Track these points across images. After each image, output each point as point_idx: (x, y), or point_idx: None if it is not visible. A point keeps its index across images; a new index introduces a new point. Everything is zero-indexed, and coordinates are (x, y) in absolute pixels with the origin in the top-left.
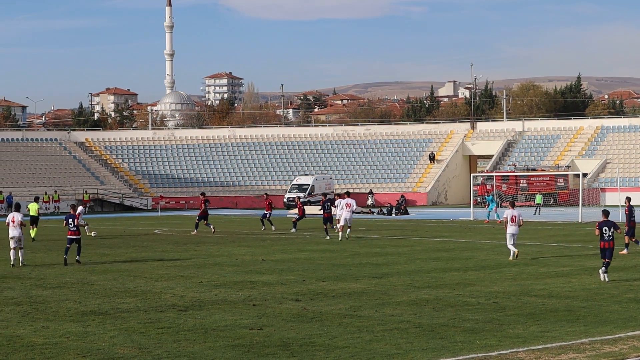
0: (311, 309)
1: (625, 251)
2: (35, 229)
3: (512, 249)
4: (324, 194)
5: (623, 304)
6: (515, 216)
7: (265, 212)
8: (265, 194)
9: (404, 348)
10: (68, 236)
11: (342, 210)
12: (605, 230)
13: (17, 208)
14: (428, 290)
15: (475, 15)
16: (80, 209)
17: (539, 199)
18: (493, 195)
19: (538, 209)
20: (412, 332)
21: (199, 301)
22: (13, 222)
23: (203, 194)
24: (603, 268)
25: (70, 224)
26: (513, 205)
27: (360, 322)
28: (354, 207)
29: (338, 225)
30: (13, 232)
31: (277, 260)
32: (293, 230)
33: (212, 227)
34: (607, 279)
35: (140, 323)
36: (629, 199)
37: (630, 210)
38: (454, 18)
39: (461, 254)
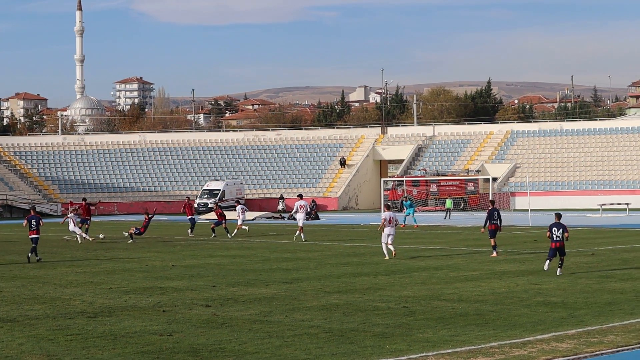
0: (221, 315)
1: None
2: None
3: (391, 248)
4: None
5: (532, 307)
6: (392, 217)
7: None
8: (187, 197)
9: (313, 353)
10: (30, 236)
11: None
12: (555, 230)
13: None
14: (338, 295)
15: (387, 21)
16: (71, 214)
17: (449, 203)
18: (411, 200)
19: (448, 214)
20: (322, 337)
21: (109, 307)
22: None
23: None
24: (548, 261)
25: (33, 224)
26: (389, 208)
27: (270, 328)
28: (307, 208)
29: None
30: None
31: (187, 265)
32: (214, 235)
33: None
34: (560, 273)
35: (49, 330)
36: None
37: None
38: (365, 23)
39: (371, 258)
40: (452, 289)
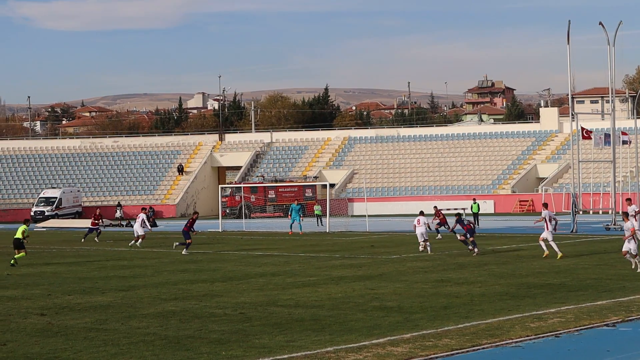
0: (56, 323)
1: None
2: (20, 253)
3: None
4: (195, 212)
5: (368, 312)
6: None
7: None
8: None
9: None
10: None
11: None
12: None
13: None
14: (175, 302)
15: (224, 28)
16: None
17: (317, 210)
18: (300, 208)
19: (320, 220)
20: (157, 345)
21: None
22: None
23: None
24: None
25: None
26: (422, 214)
27: (106, 335)
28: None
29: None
30: None
31: (22, 274)
32: (83, 240)
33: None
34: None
35: None
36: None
37: None
38: (202, 31)
39: (209, 265)
40: (289, 295)
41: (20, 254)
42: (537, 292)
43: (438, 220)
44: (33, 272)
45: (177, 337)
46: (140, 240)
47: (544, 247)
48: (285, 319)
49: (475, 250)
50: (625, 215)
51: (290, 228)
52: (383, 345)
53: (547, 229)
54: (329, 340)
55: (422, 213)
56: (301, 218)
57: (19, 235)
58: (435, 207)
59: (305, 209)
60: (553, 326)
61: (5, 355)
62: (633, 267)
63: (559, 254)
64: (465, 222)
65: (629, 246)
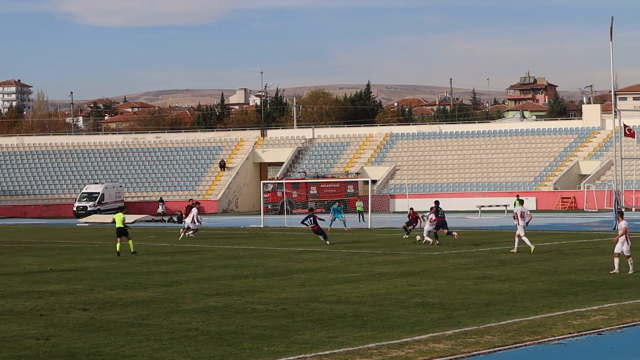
0: (99, 318)
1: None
2: (128, 240)
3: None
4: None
5: (410, 308)
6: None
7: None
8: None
9: (191, 356)
10: None
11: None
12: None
13: None
14: (217, 297)
15: (266, 24)
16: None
17: (359, 206)
18: (341, 206)
19: (361, 216)
20: (200, 340)
21: None
22: None
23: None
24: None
25: None
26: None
27: (148, 331)
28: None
29: None
30: None
31: (65, 269)
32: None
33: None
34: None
35: None
36: None
37: None
38: (245, 27)
39: (251, 261)
40: (331, 291)
41: (130, 241)
42: (579, 289)
43: (408, 220)
44: (75, 267)
45: (219, 332)
46: (190, 232)
47: (515, 244)
48: (327, 315)
49: (437, 241)
50: (621, 214)
51: (330, 225)
52: (425, 342)
53: (519, 224)
54: (370, 337)
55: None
56: (343, 217)
57: (120, 224)
58: (411, 208)
59: (347, 205)
60: (595, 324)
61: (49, 350)
62: (618, 269)
63: (532, 248)
64: (440, 214)
65: (621, 248)
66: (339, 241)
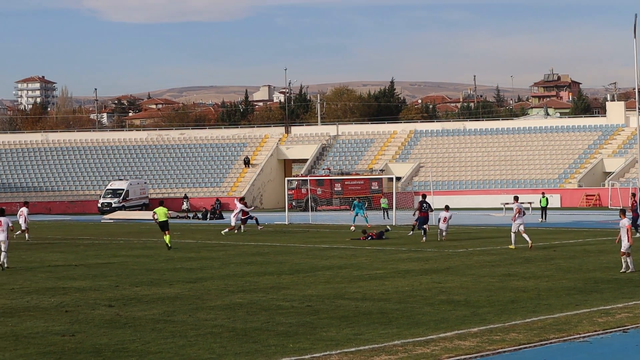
0: (124, 315)
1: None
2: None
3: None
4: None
5: (435, 305)
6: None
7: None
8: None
9: (217, 352)
10: None
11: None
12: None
13: (2, 213)
14: (242, 294)
15: (290, 21)
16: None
17: (384, 203)
18: (363, 202)
19: (386, 213)
20: (225, 337)
21: (10, 308)
22: (1, 225)
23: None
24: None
25: None
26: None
27: (173, 327)
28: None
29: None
30: (1, 235)
31: (90, 265)
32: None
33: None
34: None
35: None
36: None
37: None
38: (268, 23)
39: (276, 258)
40: (356, 288)
41: (167, 236)
42: (604, 287)
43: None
44: (100, 264)
45: (245, 329)
46: (236, 230)
47: (512, 240)
48: (353, 312)
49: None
50: (622, 212)
51: (353, 222)
52: (450, 339)
53: (514, 221)
54: (396, 334)
55: (447, 208)
56: (365, 213)
57: (163, 217)
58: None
59: (372, 202)
60: (621, 321)
61: (74, 346)
62: (624, 268)
63: (512, 246)
64: (424, 209)
65: (626, 244)
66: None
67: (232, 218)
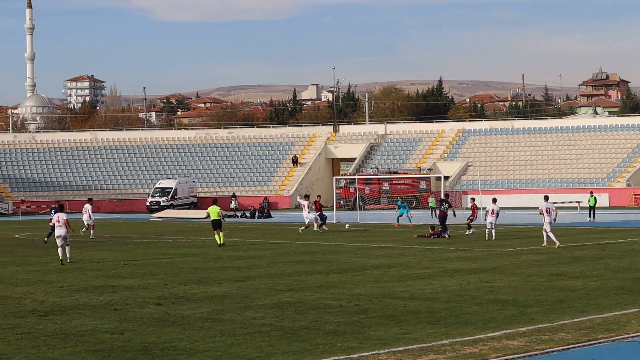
0: (173, 313)
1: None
2: (220, 232)
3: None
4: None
5: (483, 305)
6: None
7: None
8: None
9: (265, 351)
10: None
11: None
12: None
13: (62, 209)
14: (290, 293)
15: (339, 20)
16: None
17: (432, 202)
18: (407, 202)
19: (434, 212)
20: (273, 335)
21: (60, 306)
22: (58, 221)
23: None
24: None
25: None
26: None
27: (222, 326)
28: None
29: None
30: (59, 231)
31: (139, 264)
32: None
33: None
34: None
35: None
36: None
37: None
38: (317, 22)
39: (323, 256)
40: (404, 287)
41: (221, 233)
42: None
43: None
44: (149, 262)
45: (293, 328)
46: (312, 227)
47: (544, 238)
48: (401, 311)
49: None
50: None
51: (397, 221)
52: (499, 339)
53: (545, 220)
54: (444, 333)
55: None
56: (409, 213)
57: (216, 216)
58: (472, 199)
59: (420, 201)
60: None
61: (123, 344)
62: None
63: (557, 244)
64: (444, 208)
65: None
66: (411, 237)
67: (305, 215)
